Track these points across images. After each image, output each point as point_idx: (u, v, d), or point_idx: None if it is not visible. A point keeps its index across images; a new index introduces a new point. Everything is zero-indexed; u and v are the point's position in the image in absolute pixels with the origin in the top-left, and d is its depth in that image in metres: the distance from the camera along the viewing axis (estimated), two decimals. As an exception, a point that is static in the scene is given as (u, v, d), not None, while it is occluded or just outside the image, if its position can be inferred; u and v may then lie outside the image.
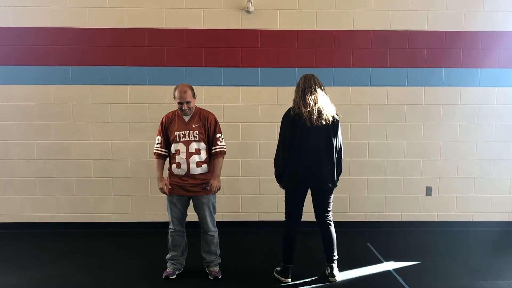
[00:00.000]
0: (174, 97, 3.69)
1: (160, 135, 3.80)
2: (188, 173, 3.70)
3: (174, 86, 5.07)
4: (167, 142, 3.79)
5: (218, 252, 3.93)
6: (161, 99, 5.03)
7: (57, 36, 4.95)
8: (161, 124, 3.81)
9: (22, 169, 5.11)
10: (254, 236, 5.00)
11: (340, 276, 3.84)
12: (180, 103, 3.65)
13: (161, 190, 3.78)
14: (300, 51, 5.05)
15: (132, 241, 4.85)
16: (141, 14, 4.97)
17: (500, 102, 5.19)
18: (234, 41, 5.03)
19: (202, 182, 3.73)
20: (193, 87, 4.98)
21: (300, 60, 5.05)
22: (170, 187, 3.76)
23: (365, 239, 4.90)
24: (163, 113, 4.97)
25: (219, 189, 3.82)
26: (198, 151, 3.71)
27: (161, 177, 3.80)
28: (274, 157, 3.78)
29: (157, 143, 3.81)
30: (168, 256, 3.90)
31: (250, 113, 5.13)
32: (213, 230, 3.85)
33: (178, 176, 3.74)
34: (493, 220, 5.33)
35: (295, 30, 5.03)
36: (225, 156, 3.81)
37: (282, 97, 5.06)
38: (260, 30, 5.02)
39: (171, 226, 3.84)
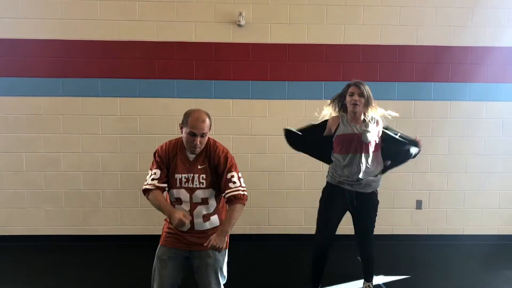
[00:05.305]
0: (184, 123, 2.69)
1: (157, 169, 2.74)
2: (192, 230, 2.75)
3: (165, 99, 5.12)
4: (167, 177, 2.78)
5: None
6: (152, 111, 5.03)
7: (48, 48, 4.94)
8: (160, 157, 2.76)
9: (10, 181, 5.06)
10: (243, 249, 4.97)
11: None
12: (193, 135, 2.63)
13: (181, 221, 2.56)
14: (290, 64, 5.07)
15: (121, 254, 4.80)
16: (133, 26, 4.97)
17: (489, 116, 5.24)
18: (225, 54, 5.04)
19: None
20: (184, 99, 5.03)
21: (291, 73, 5.07)
22: (166, 232, 2.84)
23: (355, 252, 4.88)
24: (153, 125, 5.03)
25: (221, 250, 2.58)
26: (205, 201, 2.74)
27: (172, 209, 2.68)
28: None
29: (153, 178, 2.73)
30: None
31: (241, 125, 5.13)
32: None
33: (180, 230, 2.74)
34: (483, 234, 5.34)
35: (286, 44, 5.06)
36: (246, 200, 2.76)
37: (273, 110, 5.08)
38: (251, 43, 5.04)
39: None
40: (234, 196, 2.68)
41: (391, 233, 5.30)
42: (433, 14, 5.09)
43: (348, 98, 3.49)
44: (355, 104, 3.43)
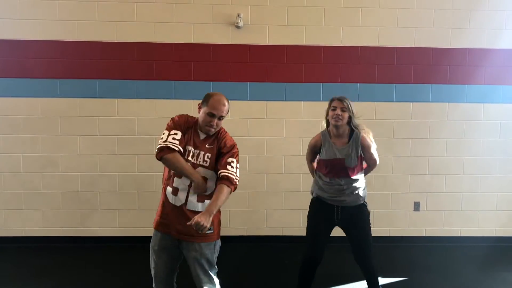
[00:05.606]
0: (204, 103, 2.78)
1: (178, 130, 2.74)
2: (183, 206, 2.74)
3: (163, 100, 5.10)
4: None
5: None
6: (149, 112, 5.02)
7: (46, 49, 4.93)
8: (180, 121, 2.80)
9: (8, 182, 5.05)
10: (241, 251, 4.97)
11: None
12: (212, 115, 2.72)
13: (204, 183, 2.73)
14: (289, 66, 5.08)
15: (119, 256, 4.79)
16: (131, 27, 4.97)
17: (487, 118, 5.24)
18: (224, 56, 5.04)
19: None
20: (182, 100, 5.04)
21: (289, 75, 5.08)
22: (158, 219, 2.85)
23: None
24: (152, 126, 5.02)
25: (204, 230, 2.48)
26: (204, 181, 2.76)
27: (196, 171, 2.72)
28: None
29: (175, 138, 2.70)
30: None
31: (239, 127, 5.12)
32: None
33: (172, 207, 2.77)
34: (481, 236, 5.34)
35: (284, 46, 5.06)
36: (234, 190, 2.76)
37: (271, 112, 5.08)
38: (249, 45, 5.04)
39: (154, 286, 2.93)
40: (227, 176, 2.70)
41: (388, 235, 5.30)
42: (431, 16, 5.10)
43: (330, 113, 3.39)
44: (337, 118, 3.33)
